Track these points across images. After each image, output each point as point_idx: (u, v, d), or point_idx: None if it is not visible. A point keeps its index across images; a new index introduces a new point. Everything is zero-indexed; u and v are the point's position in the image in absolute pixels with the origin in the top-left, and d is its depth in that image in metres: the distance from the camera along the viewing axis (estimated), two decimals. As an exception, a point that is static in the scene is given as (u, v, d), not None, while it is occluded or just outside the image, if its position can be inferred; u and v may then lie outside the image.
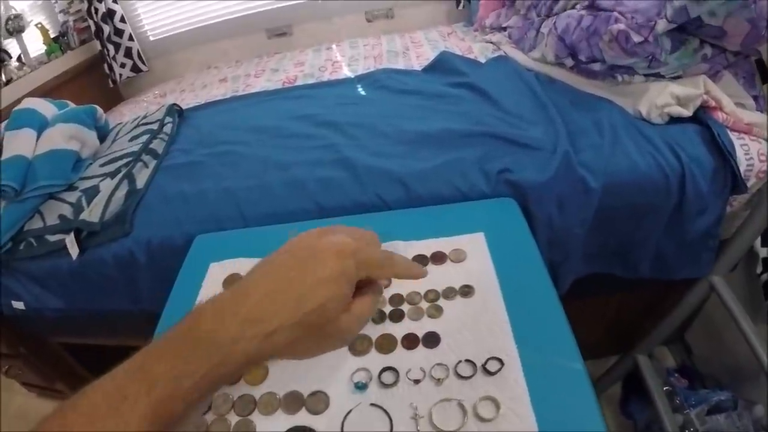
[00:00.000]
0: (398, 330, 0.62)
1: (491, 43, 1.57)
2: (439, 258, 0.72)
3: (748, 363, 1.03)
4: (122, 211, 1.01)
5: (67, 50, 1.99)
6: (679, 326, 1.13)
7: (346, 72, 1.61)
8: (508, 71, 1.27)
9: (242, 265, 0.77)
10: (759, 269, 0.99)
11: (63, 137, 1.19)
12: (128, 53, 2.07)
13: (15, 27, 1.77)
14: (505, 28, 1.56)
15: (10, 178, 1.07)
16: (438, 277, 0.68)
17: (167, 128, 1.32)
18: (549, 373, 0.54)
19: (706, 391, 1.11)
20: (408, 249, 0.74)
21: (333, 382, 0.57)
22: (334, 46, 1.94)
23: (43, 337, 1.30)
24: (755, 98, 0.98)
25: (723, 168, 0.89)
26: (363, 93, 1.36)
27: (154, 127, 1.31)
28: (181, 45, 2.18)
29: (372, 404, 0.54)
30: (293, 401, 0.56)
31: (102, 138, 1.37)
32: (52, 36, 1.94)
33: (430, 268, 0.71)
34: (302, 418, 0.55)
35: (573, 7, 1.16)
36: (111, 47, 2.01)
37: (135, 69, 2.11)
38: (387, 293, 0.68)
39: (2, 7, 1.73)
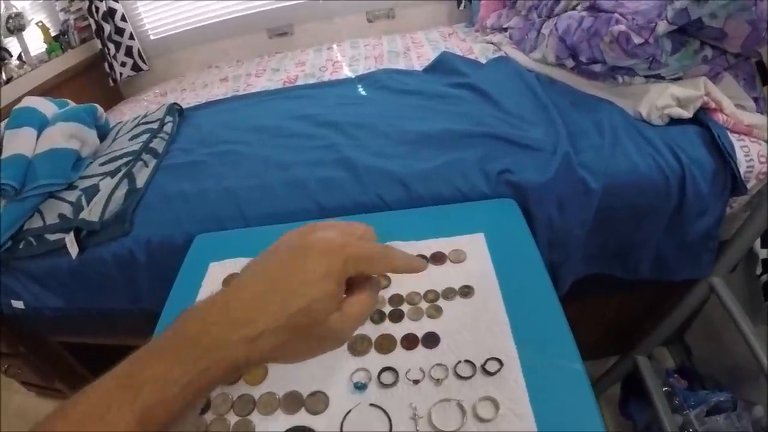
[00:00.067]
0: (398, 330, 0.62)
1: (492, 43, 1.58)
2: (439, 258, 0.72)
3: (747, 364, 1.03)
4: (122, 210, 1.01)
5: (67, 49, 1.99)
6: (678, 327, 1.14)
7: (346, 72, 1.61)
8: (508, 72, 1.27)
9: (242, 265, 0.76)
10: (759, 270, 0.99)
11: (63, 136, 1.19)
12: (129, 52, 2.06)
13: (15, 25, 1.77)
14: (506, 29, 1.56)
15: (10, 177, 1.07)
16: (438, 278, 0.68)
17: (167, 127, 1.32)
18: (548, 374, 0.54)
19: (705, 391, 1.11)
20: (408, 249, 0.74)
21: (332, 382, 0.57)
22: (334, 46, 1.94)
23: (43, 336, 1.30)
24: (755, 100, 0.98)
25: (723, 169, 0.89)
26: (364, 93, 1.36)
27: (155, 126, 1.31)
28: (182, 44, 2.18)
29: (371, 404, 0.54)
30: (293, 401, 0.56)
31: (102, 137, 1.37)
32: (52, 34, 1.94)
33: (430, 268, 0.71)
34: (301, 418, 0.55)
35: (574, 8, 1.16)
36: (111, 46, 2.01)
37: (135, 68, 2.11)
38: (386, 293, 0.68)
39: (3, 6, 1.73)
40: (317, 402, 0.56)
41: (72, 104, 1.38)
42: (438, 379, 0.55)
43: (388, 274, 0.70)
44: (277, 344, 0.32)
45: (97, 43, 2.03)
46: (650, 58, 0.94)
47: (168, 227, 0.95)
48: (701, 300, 1.06)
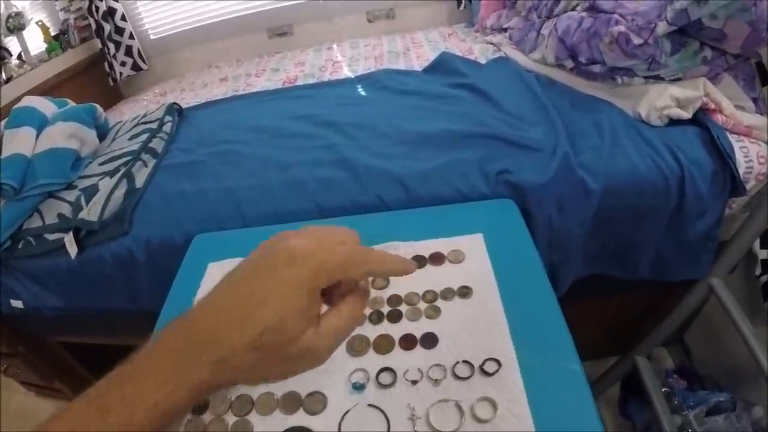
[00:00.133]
0: (396, 330, 0.62)
1: (492, 44, 1.58)
2: (437, 259, 0.72)
3: (746, 364, 1.03)
4: (121, 210, 1.01)
5: (67, 48, 1.99)
6: (678, 328, 1.14)
7: (346, 72, 1.61)
8: (508, 72, 1.27)
9: (241, 265, 0.77)
10: (758, 271, 0.99)
11: (62, 136, 1.19)
12: (129, 52, 2.07)
13: (15, 25, 1.77)
14: (505, 29, 1.56)
15: (10, 177, 1.07)
16: (436, 278, 0.68)
17: (167, 127, 1.32)
18: (547, 374, 0.54)
19: (704, 392, 1.11)
20: (407, 249, 0.75)
21: (330, 382, 0.57)
22: (334, 46, 1.94)
23: (42, 336, 1.30)
24: (755, 101, 0.98)
25: (722, 170, 0.89)
26: (363, 93, 1.36)
27: (154, 126, 1.31)
28: (182, 44, 2.18)
29: (369, 405, 0.54)
30: (291, 401, 0.56)
31: (101, 137, 1.37)
32: (52, 34, 1.94)
33: (429, 268, 0.71)
34: (300, 418, 0.55)
35: (573, 9, 1.16)
36: (111, 45, 2.01)
37: (135, 67, 2.11)
38: (385, 294, 0.68)
39: (3, 5, 1.73)
40: (315, 402, 0.56)
41: (71, 104, 1.38)
42: (436, 380, 0.55)
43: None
44: (246, 366, 0.30)
45: (97, 43, 2.04)
46: (650, 59, 0.94)
47: (167, 227, 0.95)
48: (701, 301, 1.06)
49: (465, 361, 0.56)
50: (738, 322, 0.92)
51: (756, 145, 0.92)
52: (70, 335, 1.29)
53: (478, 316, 0.62)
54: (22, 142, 1.16)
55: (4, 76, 1.70)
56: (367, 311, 0.66)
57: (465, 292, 0.65)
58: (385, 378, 0.57)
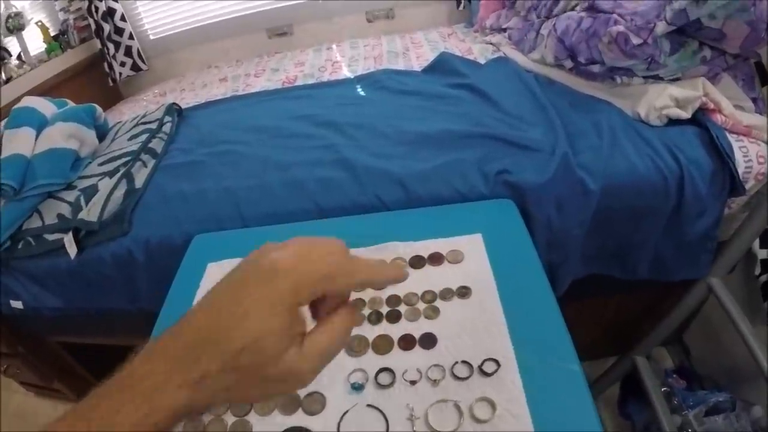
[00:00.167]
0: (395, 331, 0.62)
1: (491, 44, 1.58)
2: (436, 259, 0.72)
3: (746, 364, 1.03)
4: (121, 210, 1.01)
5: (67, 48, 1.99)
6: (677, 327, 1.14)
7: (345, 72, 1.61)
8: (507, 72, 1.27)
9: (240, 266, 0.77)
10: (757, 271, 0.99)
11: (62, 136, 1.19)
12: (128, 52, 2.07)
13: (15, 25, 1.77)
14: (505, 30, 1.56)
15: (9, 177, 1.07)
16: (435, 278, 0.69)
17: (166, 127, 1.32)
18: (545, 375, 0.54)
19: (704, 392, 1.11)
20: (406, 250, 0.75)
21: (329, 383, 0.57)
22: (334, 47, 1.94)
23: (42, 337, 1.30)
24: (754, 100, 0.98)
25: (721, 170, 0.89)
26: (363, 93, 1.36)
27: (153, 126, 1.31)
28: (182, 44, 2.18)
29: (368, 405, 0.54)
30: (290, 402, 0.56)
31: (101, 137, 1.37)
32: (52, 34, 1.94)
33: (428, 268, 0.71)
34: (299, 418, 0.55)
35: (573, 9, 1.16)
36: (111, 46, 2.01)
37: (135, 68, 2.11)
38: (384, 294, 0.68)
39: (2, 5, 1.73)
40: (314, 402, 0.56)
41: (71, 104, 1.38)
42: (435, 380, 0.55)
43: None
44: (224, 388, 0.28)
45: (97, 43, 2.04)
46: (649, 59, 0.94)
47: (167, 227, 0.95)
48: (700, 300, 1.06)
49: (464, 362, 0.56)
50: (737, 322, 0.92)
51: (755, 144, 0.92)
52: (69, 335, 1.29)
53: (477, 316, 0.62)
54: (21, 142, 1.16)
55: (3, 76, 1.70)
56: (366, 311, 0.66)
57: (464, 292, 0.65)
58: (384, 378, 0.57)
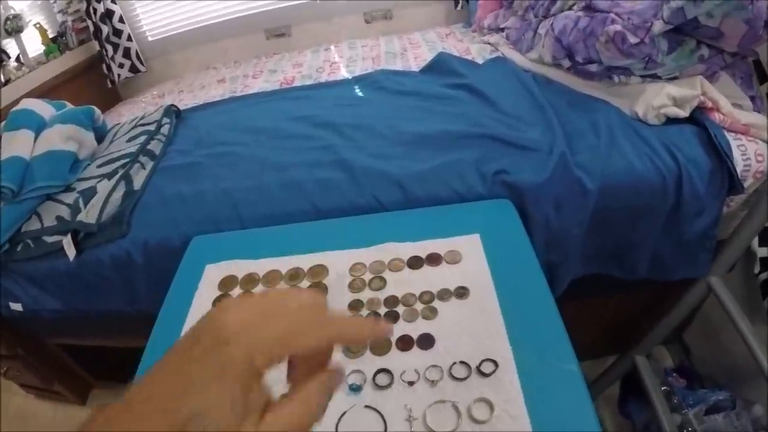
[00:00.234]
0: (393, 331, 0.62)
1: (489, 44, 1.58)
2: (434, 259, 0.72)
3: (746, 363, 1.02)
4: (119, 212, 1.01)
5: (65, 50, 1.99)
6: (677, 326, 1.13)
7: (343, 73, 1.61)
8: (505, 72, 1.27)
9: (238, 267, 0.77)
10: (757, 269, 0.99)
11: (61, 138, 1.19)
12: (127, 53, 2.07)
13: (14, 27, 1.77)
14: (502, 29, 1.56)
15: (8, 179, 1.07)
16: (433, 279, 0.69)
17: (165, 129, 1.32)
18: (544, 375, 0.54)
19: (704, 390, 1.11)
20: (404, 250, 0.75)
21: (328, 383, 0.57)
22: (332, 47, 1.94)
23: (41, 339, 1.30)
24: (752, 99, 0.98)
25: (720, 169, 0.89)
26: (361, 94, 1.36)
27: (152, 128, 1.31)
28: (180, 45, 2.18)
29: (366, 406, 0.54)
30: (288, 403, 0.56)
31: (99, 139, 1.37)
32: (50, 36, 1.94)
33: (426, 269, 0.71)
34: (297, 419, 0.55)
35: (570, 9, 1.16)
36: (109, 47, 2.01)
37: (133, 69, 2.11)
38: (382, 295, 0.68)
39: (1, 7, 1.73)
40: (312, 404, 0.56)
41: (69, 106, 1.38)
42: (433, 381, 0.55)
43: (385, 277, 0.70)
44: None
45: (95, 45, 2.04)
46: (646, 58, 0.94)
47: (165, 229, 0.95)
48: (699, 299, 1.06)
49: (462, 362, 0.56)
50: (737, 321, 0.92)
51: (754, 143, 0.92)
52: (69, 337, 1.29)
53: (475, 316, 0.62)
54: (20, 144, 1.16)
55: (2, 78, 1.70)
56: (365, 312, 0.66)
57: (462, 292, 0.65)
58: (382, 379, 0.57)
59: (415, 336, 0.61)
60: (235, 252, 0.80)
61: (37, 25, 1.88)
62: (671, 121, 0.95)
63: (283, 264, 0.76)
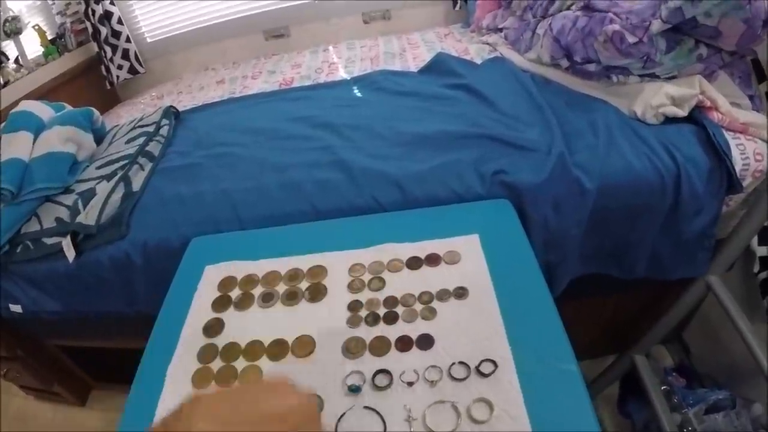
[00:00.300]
0: (392, 332, 0.62)
1: (487, 44, 1.58)
2: (433, 260, 0.72)
3: (745, 362, 1.03)
4: (118, 213, 1.01)
5: (64, 52, 1.99)
6: (676, 325, 1.13)
7: (342, 74, 1.61)
8: (504, 72, 1.27)
9: (237, 268, 0.77)
10: (756, 268, 0.99)
11: (59, 140, 1.19)
12: (125, 55, 2.07)
13: (12, 29, 1.77)
14: (501, 29, 1.56)
15: (7, 181, 1.07)
16: (432, 279, 0.69)
17: (164, 130, 1.32)
18: (543, 375, 0.54)
19: (704, 390, 1.11)
20: (403, 250, 0.75)
21: (327, 384, 0.57)
22: (331, 48, 1.94)
23: (41, 340, 1.30)
24: (751, 98, 0.98)
25: (719, 168, 0.89)
26: (359, 95, 1.36)
27: (151, 129, 1.31)
28: (179, 47, 2.18)
29: (366, 407, 0.54)
30: (287, 404, 0.56)
31: (98, 140, 1.37)
32: (49, 38, 1.94)
33: (425, 269, 0.71)
34: (296, 420, 0.55)
35: (568, 8, 1.16)
36: (108, 49, 2.01)
37: (132, 71, 2.11)
38: (381, 295, 0.68)
39: (0, 9, 1.73)
40: (312, 405, 0.56)
41: (68, 107, 1.38)
42: (432, 381, 0.55)
43: (384, 278, 0.70)
44: None
45: (94, 46, 2.04)
46: (645, 57, 0.94)
47: (164, 230, 0.95)
48: (698, 299, 1.06)
49: (461, 363, 0.56)
50: (736, 320, 0.92)
51: (752, 142, 0.92)
52: (68, 339, 1.29)
53: (474, 317, 0.62)
54: (19, 146, 1.16)
55: (1, 80, 1.70)
56: (364, 313, 0.66)
57: (461, 293, 0.65)
58: (381, 380, 0.57)
59: (414, 336, 0.61)
60: (234, 253, 0.81)
61: (36, 27, 1.88)
62: (670, 120, 0.95)
63: (283, 265, 0.76)
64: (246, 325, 0.68)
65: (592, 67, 1.07)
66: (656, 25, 0.89)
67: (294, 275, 0.74)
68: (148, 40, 2.17)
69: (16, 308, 1.08)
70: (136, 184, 1.09)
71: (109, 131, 1.44)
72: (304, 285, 0.72)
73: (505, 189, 0.88)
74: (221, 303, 0.72)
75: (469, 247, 0.73)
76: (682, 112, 0.94)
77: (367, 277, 0.71)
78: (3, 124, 1.25)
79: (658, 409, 1.08)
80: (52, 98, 1.49)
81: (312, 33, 2.12)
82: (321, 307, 0.69)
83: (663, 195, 0.89)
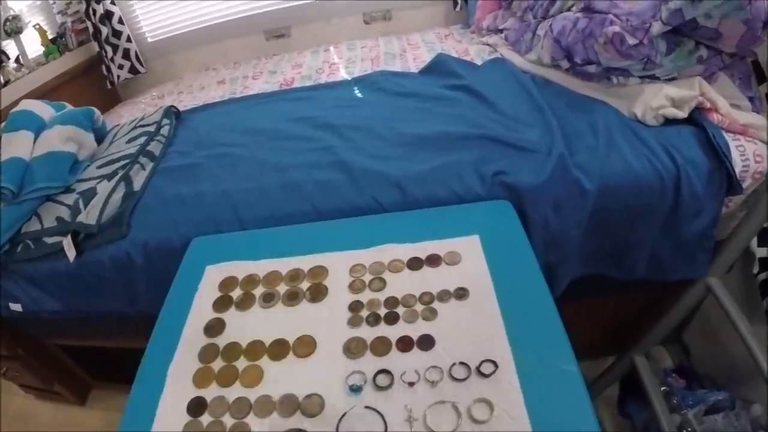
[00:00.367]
0: (393, 333, 0.63)
1: (488, 45, 1.58)
2: (434, 260, 0.72)
3: (745, 363, 1.03)
4: (119, 213, 1.01)
5: (65, 51, 1.99)
6: (676, 327, 1.14)
7: (343, 74, 1.61)
8: (504, 73, 1.27)
9: (238, 268, 0.78)
10: (756, 269, 0.99)
11: (60, 139, 1.19)
12: (126, 55, 2.07)
13: (13, 28, 1.77)
14: (501, 30, 1.56)
15: (8, 180, 1.08)
16: (433, 280, 0.69)
17: (164, 130, 1.32)
18: (543, 375, 0.54)
19: (703, 391, 1.11)
20: (403, 251, 0.75)
21: (328, 385, 0.58)
22: (331, 48, 1.94)
23: (41, 339, 1.30)
24: (751, 99, 0.98)
25: (718, 169, 0.89)
26: (360, 95, 1.36)
27: (152, 129, 1.31)
28: (179, 46, 2.18)
29: (367, 407, 0.54)
30: (288, 404, 0.56)
31: (99, 140, 1.37)
32: (50, 37, 1.94)
33: (425, 270, 0.71)
34: (297, 420, 0.55)
35: (569, 10, 1.16)
36: (109, 48, 2.01)
37: (133, 70, 2.11)
38: (382, 296, 0.68)
39: (0, 8, 1.73)
40: (313, 405, 0.56)
41: (69, 107, 1.38)
42: (433, 381, 0.55)
43: (385, 278, 0.71)
44: None
45: (95, 46, 2.04)
46: (645, 59, 0.94)
47: (165, 230, 0.96)
48: (698, 300, 1.06)
49: (462, 363, 0.57)
50: (736, 321, 0.92)
51: (752, 143, 0.92)
52: (68, 338, 1.29)
53: (474, 317, 0.62)
54: (20, 145, 1.16)
55: (2, 79, 1.70)
56: (364, 313, 0.66)
57: (461, 293, 0.66)
58: (382, 380, 0.57)
59: (415, 337, 0.61)
60: (235, 253, 0.81)
61: (37, 26, 1.89)
62: (670, 122, 0.95)
63: (283, 265, 0.76)
64: (247, 325, 0.68)
65: (592, 69, 1.07)
66: (656, 27, 0.89)
67: (295, 275, 0.74)
68: (149, 39, 2.17)
69: (16, 307, 1.08)
70: (137, 184, 1.09)
71: (110, 131, 1.44)
72: (305, 285, 0.72)
73: (505, 190, 0.88)
74: (222, 303, 0.72)
75: (469, 247, 0.73)
76: (682, 114, 0.94)
77: (367, 278, 0.71)
78: (3, 124, 1.25)
79: (658, 409, 1.08)
80: (53, 98, 1.49)
81: (313, 33, 2.12)
82: (322, 308, 0.69)
83: (663, 196, 0.90)
